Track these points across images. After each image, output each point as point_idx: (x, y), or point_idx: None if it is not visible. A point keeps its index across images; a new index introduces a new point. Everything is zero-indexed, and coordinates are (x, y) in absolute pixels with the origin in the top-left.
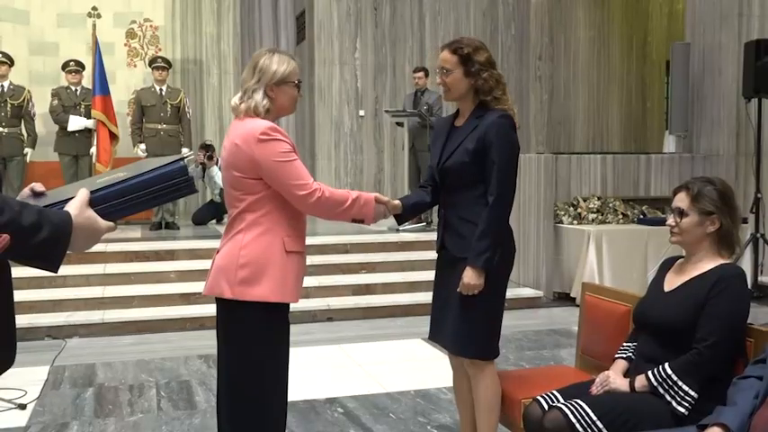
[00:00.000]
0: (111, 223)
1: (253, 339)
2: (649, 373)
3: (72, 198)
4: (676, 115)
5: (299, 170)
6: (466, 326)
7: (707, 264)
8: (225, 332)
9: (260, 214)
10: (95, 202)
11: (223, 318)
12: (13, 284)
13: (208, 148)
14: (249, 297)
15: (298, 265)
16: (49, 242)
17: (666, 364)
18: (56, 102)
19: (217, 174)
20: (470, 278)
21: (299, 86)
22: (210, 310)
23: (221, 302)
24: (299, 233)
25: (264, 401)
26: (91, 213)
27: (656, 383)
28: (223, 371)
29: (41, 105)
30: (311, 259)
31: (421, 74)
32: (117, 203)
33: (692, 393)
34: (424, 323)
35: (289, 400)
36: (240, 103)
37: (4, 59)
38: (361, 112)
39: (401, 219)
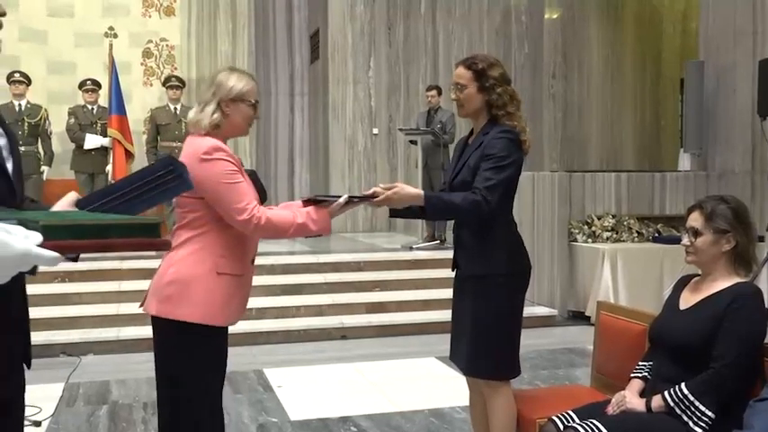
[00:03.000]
0: None
1: (175, 360)
2: (666, 392)
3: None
4: (691, 133)
5: (240, 193)
6: (480, 346)
7: (723, 282)
8: (155, 351)
9: (197, 233)
10: (81, 203)
11: (154, 335)
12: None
13: None
14: (172, 316)
15: (229, 288)
16: None
17: (683, 384)
18: (72, 120)
19: None
20: (404, 192)
21: (256, 108)
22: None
23: (153, 319)
24: (238, 255)
25: (189, 429)
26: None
27: (672, 403)
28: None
29: (58, 124)
30: (325, 277)
31: (434, 92)
32: (104, 203)
33: (710, 413)
34: (437, 341)
35: (302, 418)
36: (195, 118)
37: (21, 79)
38: (375, 131)
39: (396, 213)
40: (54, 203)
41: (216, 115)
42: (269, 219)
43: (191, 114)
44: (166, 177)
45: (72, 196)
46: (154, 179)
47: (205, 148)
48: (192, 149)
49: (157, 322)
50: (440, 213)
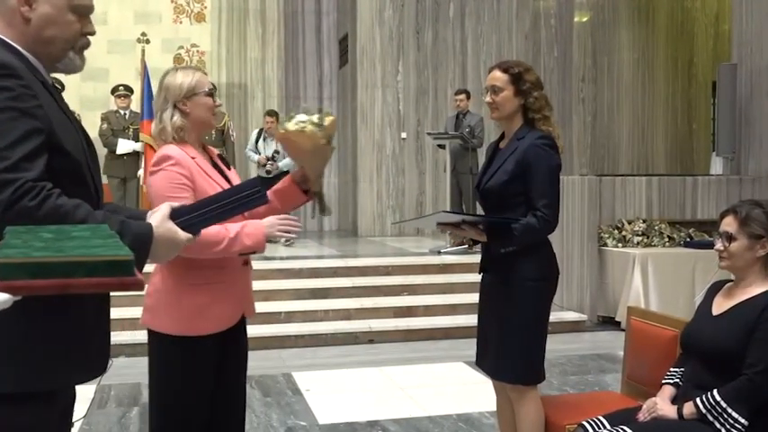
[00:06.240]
0: (189, 235)
1: (159, 371)
2: (698, 399)
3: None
4: (723, 137)
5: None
6: (505, 351)
7: (757, 288)
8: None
9: None
10: (175, 215)
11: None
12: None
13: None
14: (150, 326)
15: (203, 297)
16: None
17: (715, 391)
18: (105, 126)
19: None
20: (475, 233)
21: (213, 95)
22: (254, 330)
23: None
24: (205, 263)
25: None
26: (171, 225)
27: (704, 410)
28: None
29: (91, 130)
30: (353, 281)
31: (462, 96)
32: (195, 216)
33: (743, 421)
34: (465, 346)
35: (330, 422)
36: (156, 129)
37: (55, 85)
38: (404, 135)
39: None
40: None
41: (176, 118)
42: (206, 234)
43: (152, 127)
44: (252, 195)
45: (166, 208)
46: (243, 196)
47: (155, 159)
48: (152, 160)
49: (148, 331)
50: (519, 246)
